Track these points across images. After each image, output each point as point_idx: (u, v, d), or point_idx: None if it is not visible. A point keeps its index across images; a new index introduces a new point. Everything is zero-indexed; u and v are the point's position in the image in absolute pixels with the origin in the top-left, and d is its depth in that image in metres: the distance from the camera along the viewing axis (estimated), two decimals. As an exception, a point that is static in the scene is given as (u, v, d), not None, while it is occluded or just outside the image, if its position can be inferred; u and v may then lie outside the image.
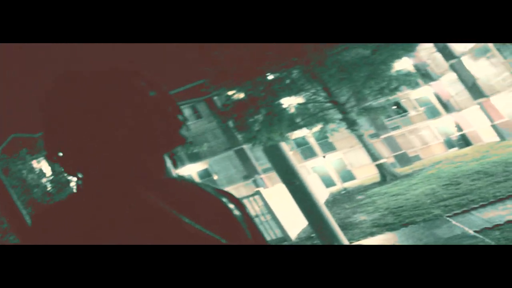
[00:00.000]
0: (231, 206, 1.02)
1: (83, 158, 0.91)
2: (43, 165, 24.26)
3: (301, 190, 5.52)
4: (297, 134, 32.43)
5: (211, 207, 0.97)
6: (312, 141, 39.82)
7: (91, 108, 0.90)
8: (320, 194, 24.61)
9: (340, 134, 32.72)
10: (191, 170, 42.02)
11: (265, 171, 40.42)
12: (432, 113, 37.87)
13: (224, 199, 1.03)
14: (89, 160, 0.91)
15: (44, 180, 23.56)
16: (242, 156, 40.71)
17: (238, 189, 40.74)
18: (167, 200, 0.88)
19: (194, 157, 41.57)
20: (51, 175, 25.17)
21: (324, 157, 35.95)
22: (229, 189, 41.06)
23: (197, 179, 42.45)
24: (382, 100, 28.60)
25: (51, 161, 0.93)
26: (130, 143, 0.91)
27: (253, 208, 12.11)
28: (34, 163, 24.01)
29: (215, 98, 38.66)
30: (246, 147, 39.33)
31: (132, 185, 0.88)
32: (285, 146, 5.65)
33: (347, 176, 38.97)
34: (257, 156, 40.79)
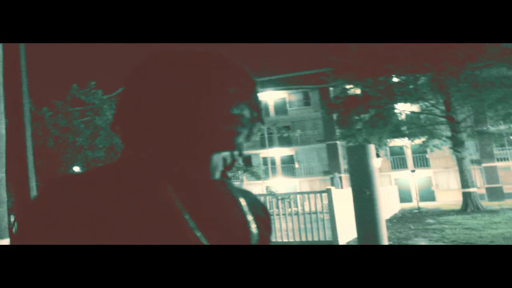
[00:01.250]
0: (251, 222, 0.93)
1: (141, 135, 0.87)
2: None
3: (367, 203, 4.85)
4: (396, 142, 31.02)
5: (224, 217, 0.88)
6: (408, 153, 38.28)
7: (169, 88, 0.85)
8: (391, 207, 23.78)
9: (440, 152, 31.12)
10: (276, 153, 41.78)
11: (346, 171, 39.41)
12: None
13: (249, 213, 0.95)
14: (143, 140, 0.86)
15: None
16: (332, 152, 39.97)
17: (313, 182, 40.29)
18: (186, 202, 0.82)
19: (285, 141, 41.27)
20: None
21: (413, 171, 34.47)
22: (304, 180, 40.61)
23: (278, 163, 42.21)
24: (502, 127, 26.59)
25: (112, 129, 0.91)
26: (185, 136, 0.85)
27: (316, 204, 12.03)
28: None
29: (331, 89, 37.85)
30: (340, 143, 38.37)
31: (164, 178, 0.84)
32: (372, 150, 4.91)
33: (428, 196, 37.34)
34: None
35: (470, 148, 33.58)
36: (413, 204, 33.76)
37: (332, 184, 36.43)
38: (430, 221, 18.25)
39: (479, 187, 32.84)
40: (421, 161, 38.26)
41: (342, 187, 35.46)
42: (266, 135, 40.91)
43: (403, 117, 26.90)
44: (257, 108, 0.92)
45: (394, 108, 25.40)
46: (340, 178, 38.70)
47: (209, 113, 0.83)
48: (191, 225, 0.79)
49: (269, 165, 41.81)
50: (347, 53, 23.00)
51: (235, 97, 0.86)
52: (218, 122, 0.84)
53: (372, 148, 5.16)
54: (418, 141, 27.34)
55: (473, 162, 34.32)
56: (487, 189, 34.31)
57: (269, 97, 42.14)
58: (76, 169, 14.48)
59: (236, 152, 0.92)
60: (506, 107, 23.03)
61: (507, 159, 35.66)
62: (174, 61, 0.87)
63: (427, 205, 32.46)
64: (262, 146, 40.70)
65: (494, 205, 27.02)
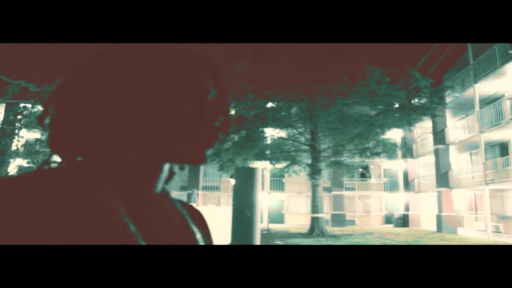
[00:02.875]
0: (197, 233, 0.86)
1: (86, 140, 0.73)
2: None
3: (247, 224, 5.33)
4: (259, 164, 31.98)
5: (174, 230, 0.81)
6: (266, 175, 39.58)
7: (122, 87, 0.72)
8: None
9: (295, 178, 32.75)
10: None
11: (204, 188, 39.65)
12: (391, 186, 39.14)
13: (192, 224, 0.88)
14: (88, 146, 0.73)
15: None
16: (194, 168, 39.65)
17: (169, 198, 39.56)
18: (136, 218, 0.72)
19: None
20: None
21: (268, 193, 35.77)
22: (160, 194, 39.81)
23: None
24: (356, 159, 29.06)
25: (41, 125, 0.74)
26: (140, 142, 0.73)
27: None
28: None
29: None
30: (203, 160, 38.35)
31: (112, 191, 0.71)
32: (259, 174, 5.42)
33: (278, 218, 38.94)
34: (207, 172, 39.91)
35: (324, 176, 35.98)
36: (264, 225, 34.94)
37: (189, 200, 36.33)
38: (278, 242, 19.12)
39: (325, 213, 35.27)
40: (277, 184, 39.91)
41: (197, 204, 35.54)
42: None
43: (269, 141, 27.98)
44: (228, 118, 0.81)
45: (263, 132, 26.25)
46: (197, 194, 38.75)
47: (182, 122, 0.73)
48: (141, 243, 0.69)
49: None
50: (232, 74, 23.36)
51: (217, 105, 0.79)
52: (194, 132, 0.75)
53: (259, 171, 5.25)
54: (279, 165, 28.54)
55: (324, 189, 36.83)
56: (332, 215, 36.79)
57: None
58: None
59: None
60: (363, 142, 25.32)
61: (354, 189, 38.92)
62: (131, 55, 0.75)
63: (276, 226, 33.71)
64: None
65: (336, 230, 29.02)
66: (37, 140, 24.60)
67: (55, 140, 0.74)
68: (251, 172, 5.17)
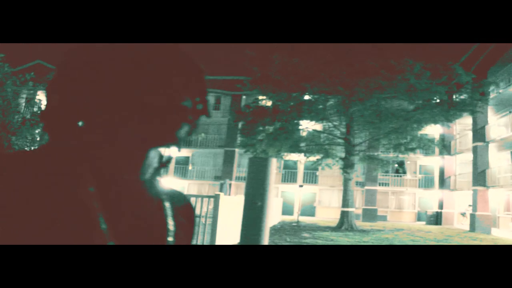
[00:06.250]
0: (171, 226, 0.88)
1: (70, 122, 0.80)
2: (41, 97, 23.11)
3: (257, 213, 5.31)
4: (293, 156, 31.94)
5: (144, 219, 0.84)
6: (300, 168, 39.58)
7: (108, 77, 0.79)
8: (272, 219, 24.16)
9: (328, 171, 32.58)
10: (171, 153, 40.65)
11: (238, 179, 39.82)
12: (426, 183, 38.52)
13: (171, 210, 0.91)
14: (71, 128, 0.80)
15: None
16: (229, 158, 40.02)
17: (202, 186, 40.49)
18: (105, 203, 0.76)
19: (184, 143, 40.58)
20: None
21: (301, 186, 35.78)
22: (194, 183, 40.39)
23: (173, 163, 41.44)
24: (391, 155, 28.73)
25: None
26: (121, 127, 0.80)
27: (202, 208, 11.72)
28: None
29: (243, 97, 38.06)
30: (238, 151, 38.57)
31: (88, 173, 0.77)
32: (273, 164, 5.39)
33: (308, 211, 38.88)
34: (241, 163, 40.09)
35: (358, 171, 35.64)
36: (294, 217, 34.91)
37: (221, 190, 36.71)
38: (306, 235, 18.92)
39: (357, 207, 35.00)
40: (310, 177, 39.84)
41: (230, 194, 35.82)
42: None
43: (304, 133, 27.93)
44: (203, 101, 0.89)
45: (298, 124, 26.17)
46: (230, 185, 39.04)
47: (150, 102, 0.80)
48: (102, 227, 0.74)
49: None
50: (269, 65, 23.36)
51: (180, 88, 0.84)
52: (160, 112, 0.81)
53: (273, 162, 5.31)
54: (313, 158, 28.43)
55: (357, 184, 36.56)
56: (364, 210, 36.49)
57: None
58: None
59: (174, 148, 0.89)
60: (399, 137, 25.03)
61: (388, 184, 38.52)
62: (112, 50, 0.82)
63: (306, 219, 33.54)
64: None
65: (366, 225, 28.75)
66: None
67: (49, 123, 0.82)
68: (264, 163, 5.28)
